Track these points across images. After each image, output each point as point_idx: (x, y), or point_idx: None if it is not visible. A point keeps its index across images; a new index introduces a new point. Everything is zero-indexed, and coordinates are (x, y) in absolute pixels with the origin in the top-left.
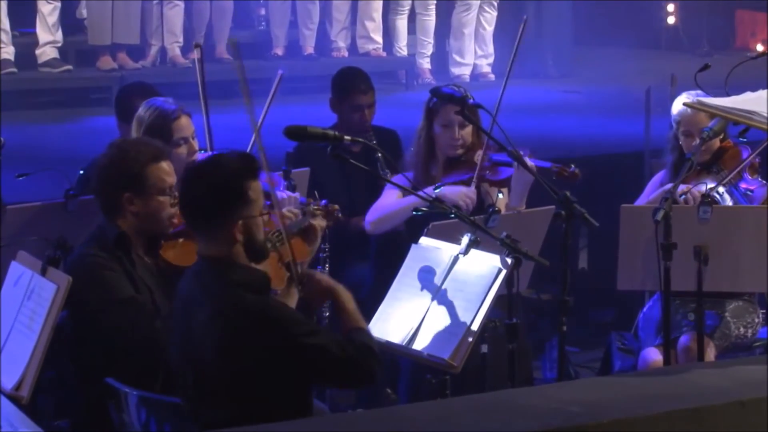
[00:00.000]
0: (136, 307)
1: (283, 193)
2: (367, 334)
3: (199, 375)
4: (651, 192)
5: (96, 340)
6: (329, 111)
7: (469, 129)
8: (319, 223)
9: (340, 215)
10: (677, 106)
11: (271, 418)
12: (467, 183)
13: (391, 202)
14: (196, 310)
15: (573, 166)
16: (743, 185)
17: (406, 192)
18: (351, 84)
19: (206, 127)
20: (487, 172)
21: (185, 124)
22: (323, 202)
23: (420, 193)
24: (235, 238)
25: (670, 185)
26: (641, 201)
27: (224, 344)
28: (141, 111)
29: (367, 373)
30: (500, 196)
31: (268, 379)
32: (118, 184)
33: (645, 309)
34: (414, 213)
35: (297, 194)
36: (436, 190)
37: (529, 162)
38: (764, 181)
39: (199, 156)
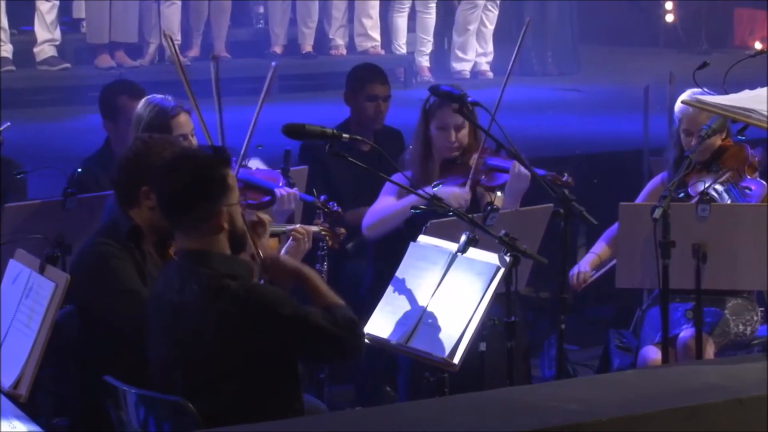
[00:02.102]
0: (139, 301)
1: (282, 190)
2: (348, 309)
3: (190, 368)
4: (647, 191)
5: (99, 332)
6: (328, 109)
7: (465, 131)
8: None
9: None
10: (680, 103)
11: (263, 400)
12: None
13: (387, 204)
14: (181, 303)
15: (566, 174)
16: (742, 184)
17: (402, 193)
18: (367, 75)
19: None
20: (483, 177)
21: (184, 121)
22: (322, 197)
23: (418, 191)
24: (221, 227)
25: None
26: (639, 200)
27: (215, 333)
28: (140, 108)
29: (352, 345)
30: (499, 194)
31: (258, 360)
32: (138, 176)
33: (643, 307)
34: (412, 211)
35: (296, 190)
36: (435, 188)
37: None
38: (763, 182)
39: None
